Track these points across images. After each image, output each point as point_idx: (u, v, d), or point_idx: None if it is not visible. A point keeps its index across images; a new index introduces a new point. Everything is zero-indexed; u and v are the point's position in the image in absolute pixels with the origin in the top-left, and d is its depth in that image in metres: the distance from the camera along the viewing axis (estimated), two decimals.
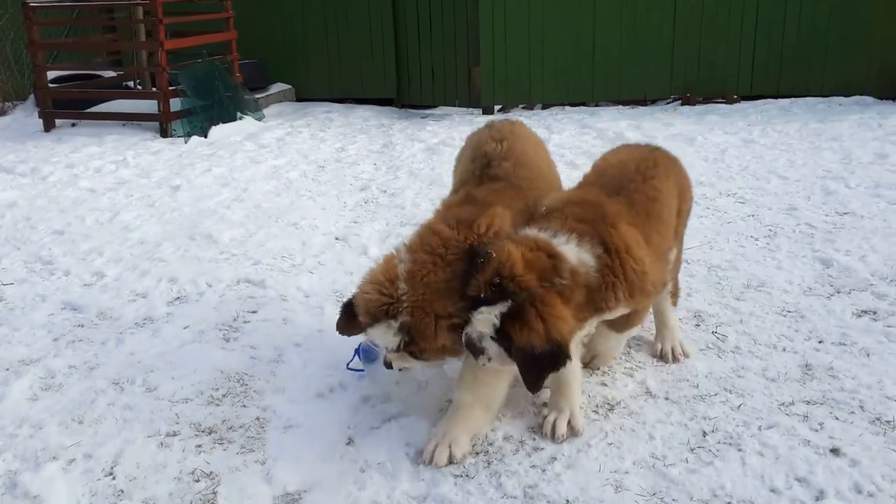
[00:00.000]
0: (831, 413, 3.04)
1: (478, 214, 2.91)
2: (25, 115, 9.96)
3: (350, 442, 3.00)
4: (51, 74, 9.53)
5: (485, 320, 2.59)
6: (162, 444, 3.01)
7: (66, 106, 9.34)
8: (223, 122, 8.89)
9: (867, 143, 7.12)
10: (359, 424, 3.09)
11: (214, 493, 2.73)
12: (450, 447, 2.82)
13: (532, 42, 9.65)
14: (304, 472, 2.83)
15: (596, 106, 9.89)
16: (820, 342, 3.59)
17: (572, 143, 7.77)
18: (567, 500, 2.64)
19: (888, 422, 2.96)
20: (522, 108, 10.09)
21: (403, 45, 10.29)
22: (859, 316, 3.82)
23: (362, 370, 3.38)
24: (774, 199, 5.72)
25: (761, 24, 9.39)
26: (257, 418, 3.18)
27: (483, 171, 3.20)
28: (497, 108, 9.95)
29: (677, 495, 2.64)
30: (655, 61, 9.69)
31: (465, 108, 10.03)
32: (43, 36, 9.53)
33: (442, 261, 2.81)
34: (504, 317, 2.55)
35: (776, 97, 9.46)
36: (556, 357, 2.56)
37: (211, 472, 2.84)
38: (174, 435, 3.07)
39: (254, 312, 4.15)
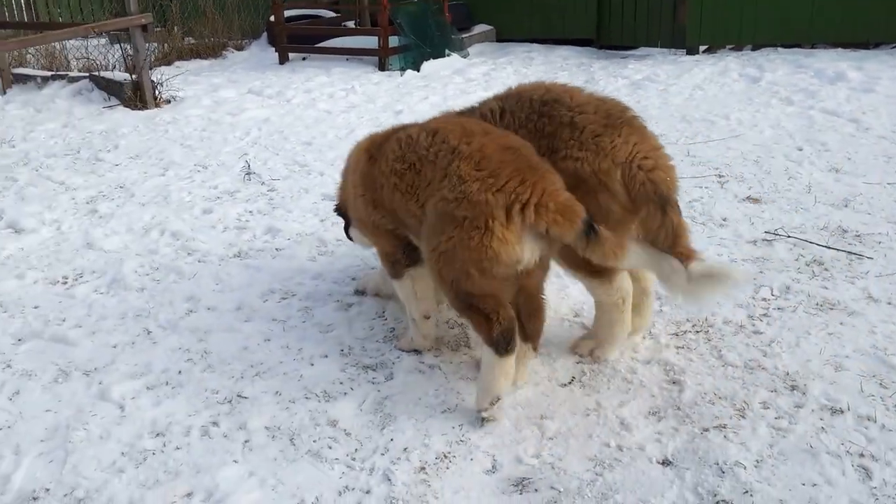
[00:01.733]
0: None
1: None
2: (260, 50, 11.29)
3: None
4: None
5: None
6: None
7: (297, 41, 10.46)
8: (433, 59, 9.55)
9: None
10: None
11: (467, 335, 3.27)
12: None
13: None
14: None
15: (812, 48, 9.32)
16: None
17: (787, 80, 7.50)
18: (787, 373, 2.86)
19: None
20: (730, 48, 9.74)
21: None
22: None
23: None
24: None
25: None
26: None
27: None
28: (703, 48, 9.69)
29: None
30: (884, 0, 8.92)
31: (667, 49, 9.88)
32: None
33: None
34: None
35: None
36: None
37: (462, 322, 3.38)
38: None
39: None
